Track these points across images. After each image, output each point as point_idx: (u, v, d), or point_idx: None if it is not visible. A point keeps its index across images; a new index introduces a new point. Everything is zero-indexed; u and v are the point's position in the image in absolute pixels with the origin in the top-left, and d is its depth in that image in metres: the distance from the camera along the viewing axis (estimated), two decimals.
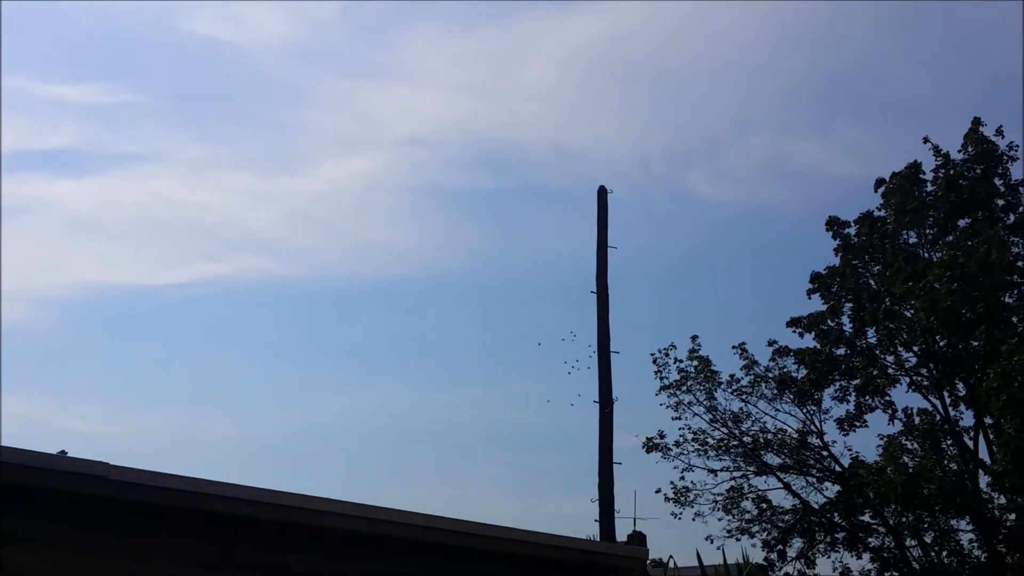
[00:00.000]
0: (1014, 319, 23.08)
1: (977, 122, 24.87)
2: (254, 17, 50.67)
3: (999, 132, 24.79)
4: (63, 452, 7.74)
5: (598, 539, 19.53)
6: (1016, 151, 24.68)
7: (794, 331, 26.03)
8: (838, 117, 51.19)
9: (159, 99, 53.28)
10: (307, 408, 49.82)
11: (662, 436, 25.97)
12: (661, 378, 25.95)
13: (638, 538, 21.73)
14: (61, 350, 48.50)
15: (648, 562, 22.81)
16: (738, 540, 25.69)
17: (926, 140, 25.32)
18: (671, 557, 23.93)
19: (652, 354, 25.96)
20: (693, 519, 25.70)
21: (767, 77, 50.75)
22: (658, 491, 25.78)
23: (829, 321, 25.77)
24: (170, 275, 51.24)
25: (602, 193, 22.34)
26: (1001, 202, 24.71)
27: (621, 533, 20.91)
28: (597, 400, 20.87)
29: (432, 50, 50.51)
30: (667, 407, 25.98)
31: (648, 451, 25.89)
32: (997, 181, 24.72)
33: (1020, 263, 23.71)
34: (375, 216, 55.08)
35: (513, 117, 51.78)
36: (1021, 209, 24.34)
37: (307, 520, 7.57)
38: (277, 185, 52.63)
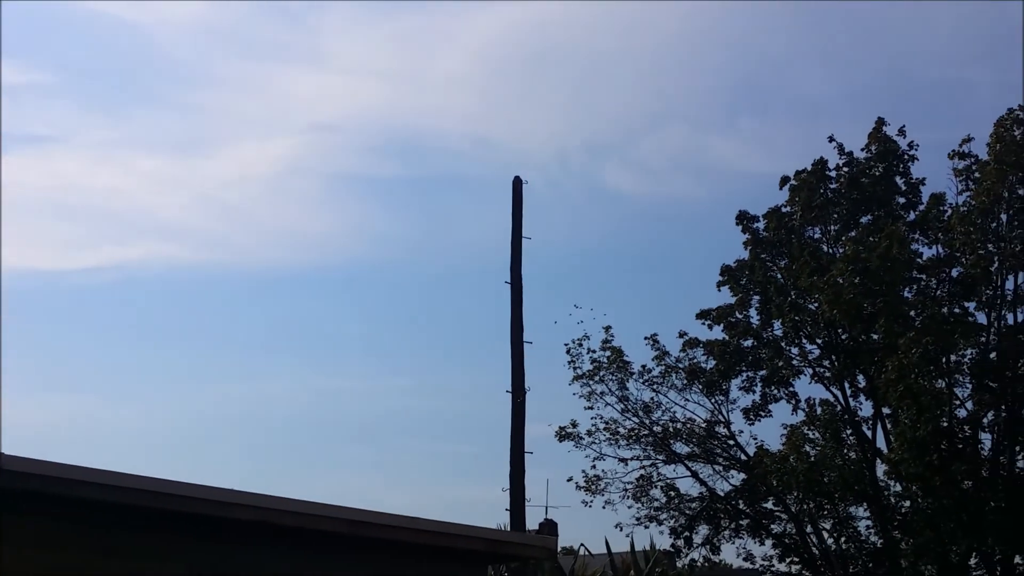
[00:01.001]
0: (912, 313, 23.87)
1: (881, 122, 25.63)
2: None
3: (901, 132, 25.59)
4: None
5: (509, 528, 19.75)
6: (916, 151, 25.54)
7: (703, 323, 26.61)
8: (750, 112, 52.11)
9: (66, 79, 52.08)
10: (215, 395, 49.28)
11: (575, 425, 26.37)
12: (574, 368, 26.35)
13: (549, 526, 22.05)
14: None
15: (559, 550, 23.14)
16: (647, 527, 26.28)
17: (831, 139, 26.04)
18: (582, 545, 24.39)
19: (566, 344, 26.34)
20: (603, 507, 26.20)
21: (681, 71, 51.51)
22: (570, 480, 26.23)
23: (737, 313, 26.38)
24: (75, 260, 50.19)
25: (517, 184, 22.52)
26: (902, 200, 25.52)
27: (533, 522, 21.21)
28: (509, 390, 21.09)
29: (347, 35, 50.21)
30: (580, 397, 26.40)
31: (560, 440, 26.28)
32: (899, 179, 25.53)
33: (919, 259, 24.51)
34: (287, 202, 54.52)
35: (429, 106, 51.69)
36: (921, 207, 25.16)
37: (204, 510, 7.64)
38: (186, 169, 51.81)
